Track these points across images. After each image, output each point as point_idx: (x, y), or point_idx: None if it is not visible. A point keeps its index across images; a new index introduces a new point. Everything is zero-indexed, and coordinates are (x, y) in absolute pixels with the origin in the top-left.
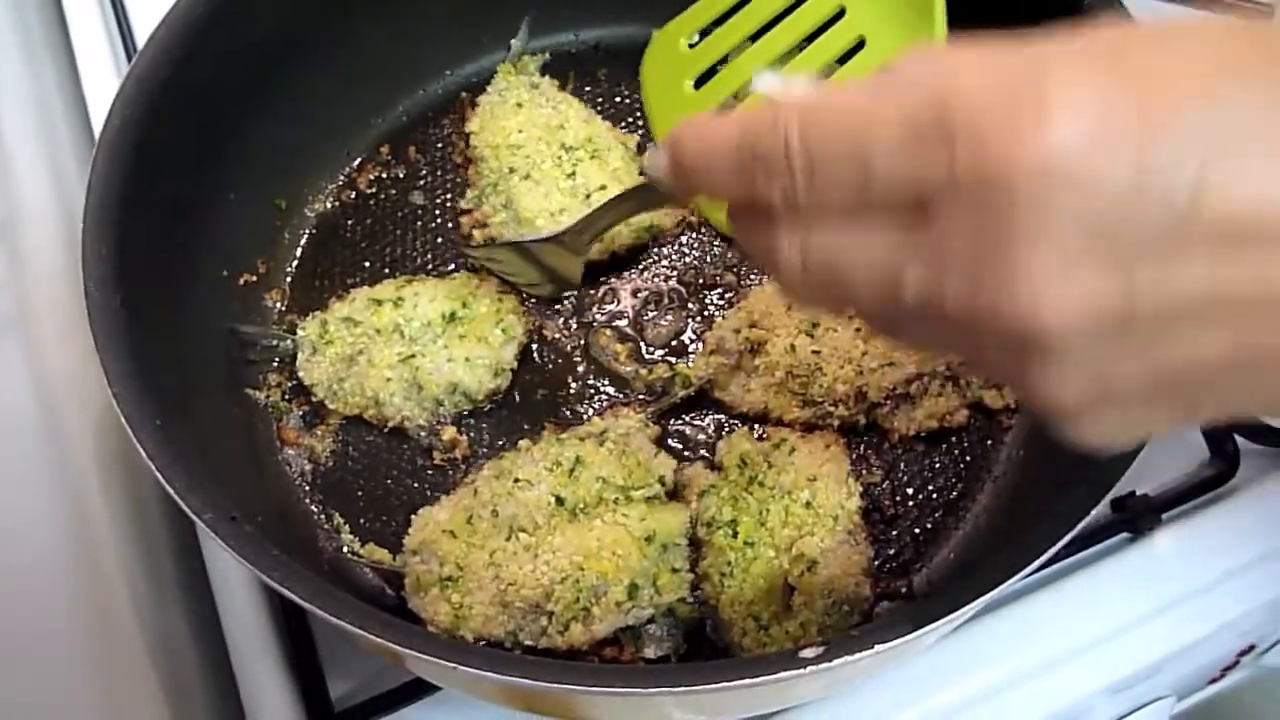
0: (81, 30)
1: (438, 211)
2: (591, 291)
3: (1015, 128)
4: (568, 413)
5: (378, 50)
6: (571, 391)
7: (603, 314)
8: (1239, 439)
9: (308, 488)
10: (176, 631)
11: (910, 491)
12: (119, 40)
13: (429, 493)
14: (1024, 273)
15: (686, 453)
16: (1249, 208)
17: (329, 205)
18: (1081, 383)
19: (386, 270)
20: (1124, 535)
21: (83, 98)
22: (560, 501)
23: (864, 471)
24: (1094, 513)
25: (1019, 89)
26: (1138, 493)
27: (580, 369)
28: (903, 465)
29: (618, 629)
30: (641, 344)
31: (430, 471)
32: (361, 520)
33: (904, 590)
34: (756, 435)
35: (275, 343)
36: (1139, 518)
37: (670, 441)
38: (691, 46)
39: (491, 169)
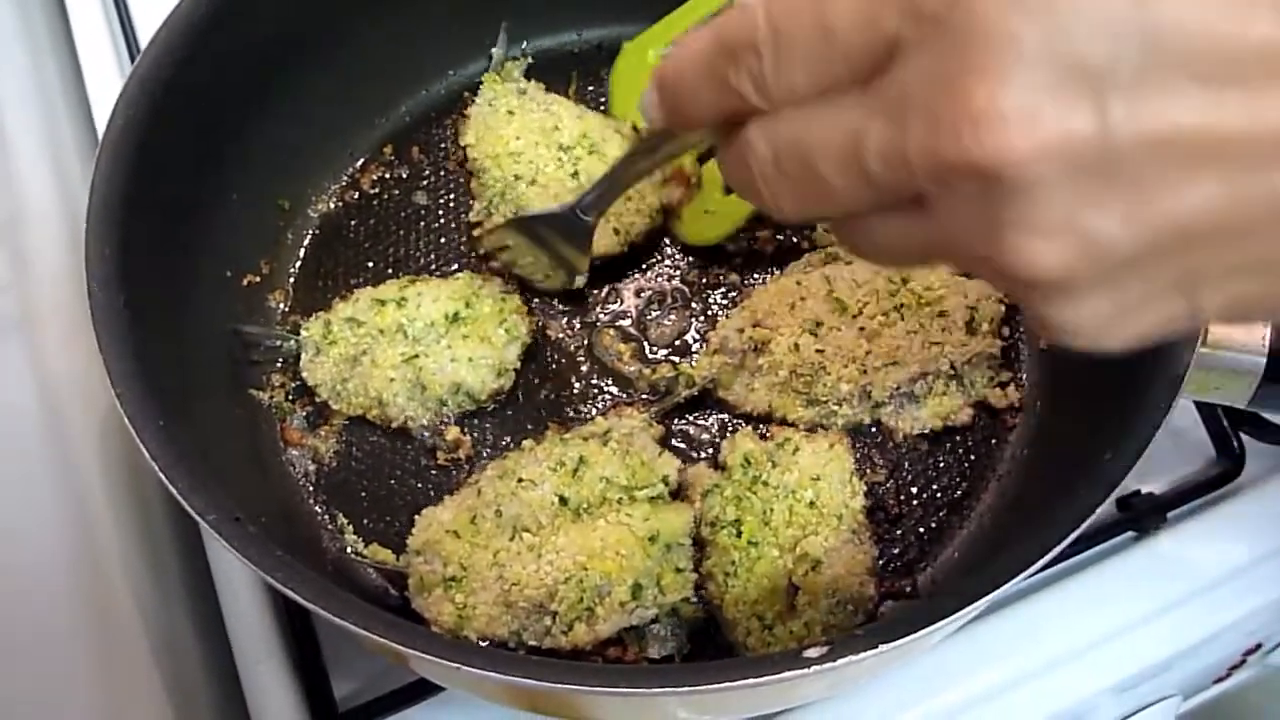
0: (85, 31)
1: (441, 212)
2: (595, 291)
3: None
4: (571, 413)
5: (380, 50)
6: (575, 391)
7: (606, 314)
8: (1244, 437)
9: (311, 488)
10: (180, 632)
11: (914, 491)
12: (122, 41)
13: (432, 493)
14: (984, 104)
15: (690, 452)
16: (1225, 37)
17: (332, 205)
18: (1058, 237)
19: (390, 270)
20: (1129, 534)
21: (86, 98)
22: (564, 501)
23: (868, 471)
24: (1099, 511)
25: None
26: (1143, 491)
27: (584, 369)
28: (907, 464)
29: (622, 629)
30: (645, 344)
31: (434, 472)
32: (365, 521)
33: (908, 590)
34: (760, 435)
35: (279, 343)
36: (1144, 516)
37: (674, 441)
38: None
39: (495, 178)
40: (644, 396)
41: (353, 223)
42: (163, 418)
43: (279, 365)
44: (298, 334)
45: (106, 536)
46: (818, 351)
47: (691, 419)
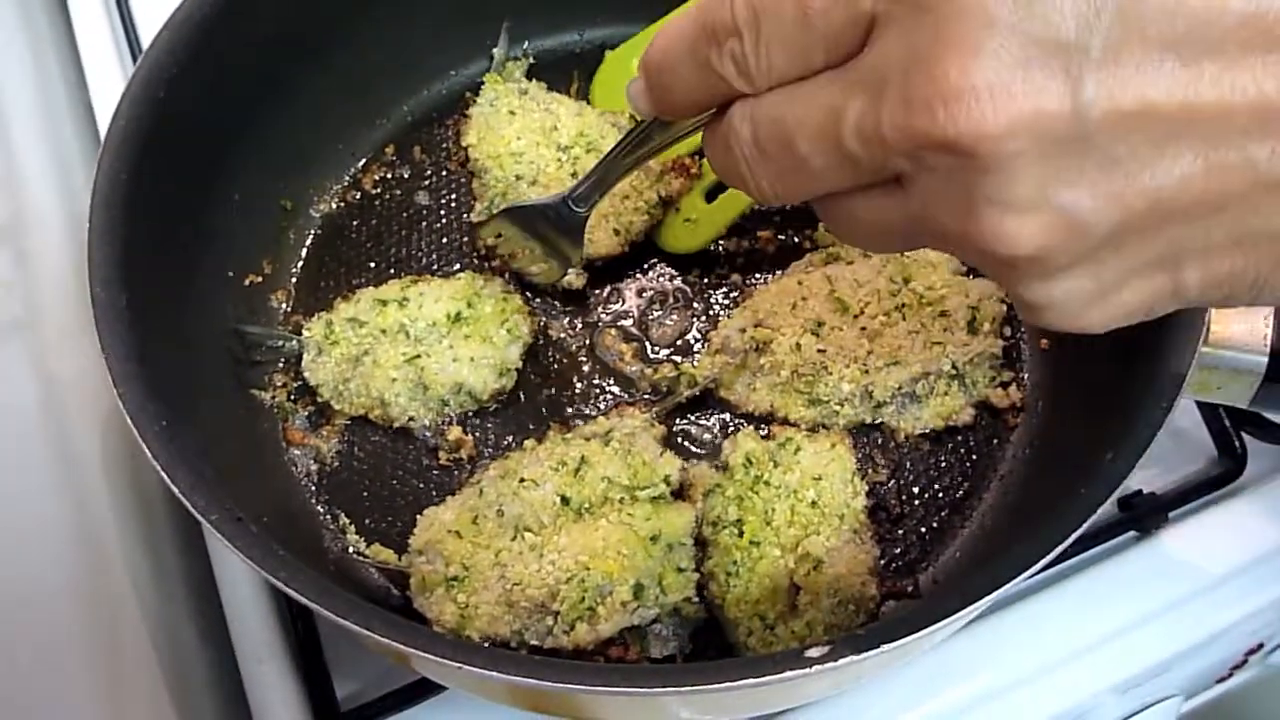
0: (87, 32)
1: (443, 211)
2: (596, 291)
3: None
4: (573, 412)
5: (381, 50)
6: (577, 391)
7: (608, 314)
8: (1246, 436)
9: (313, 488)
10: (183, 631)
11: (916, 490)
12: (124, 42)
13: (434, 493)
14: (957, 80)
15: (692, 452)
16: (1197, 10)
17: (334, 206)
18: (1038, 215)
19: (392, 270)
20: (1131, 534)
21: (88, 99)
22: (566, 501)
23: (870, 470)
24: (1100, 511)
25: None
26: (1145, 491)
27: (585, 369)
28: (908, 464)
29: (623, 629)
30: (647, 344)
31: (436, 471)
32: (367, 520)
33: (910, 589)
34: (762, 434)
35: (281, 343)
36: (1146, 516)
37: (676, 441)
38: None
39: (497, 179)
40: (646, 396)
41: (355, 223)
42: (165, 418)
43: (281, 365)
44: (300, 334)
45: (109, 536)
46: (819, 351)
47: (693, 419)
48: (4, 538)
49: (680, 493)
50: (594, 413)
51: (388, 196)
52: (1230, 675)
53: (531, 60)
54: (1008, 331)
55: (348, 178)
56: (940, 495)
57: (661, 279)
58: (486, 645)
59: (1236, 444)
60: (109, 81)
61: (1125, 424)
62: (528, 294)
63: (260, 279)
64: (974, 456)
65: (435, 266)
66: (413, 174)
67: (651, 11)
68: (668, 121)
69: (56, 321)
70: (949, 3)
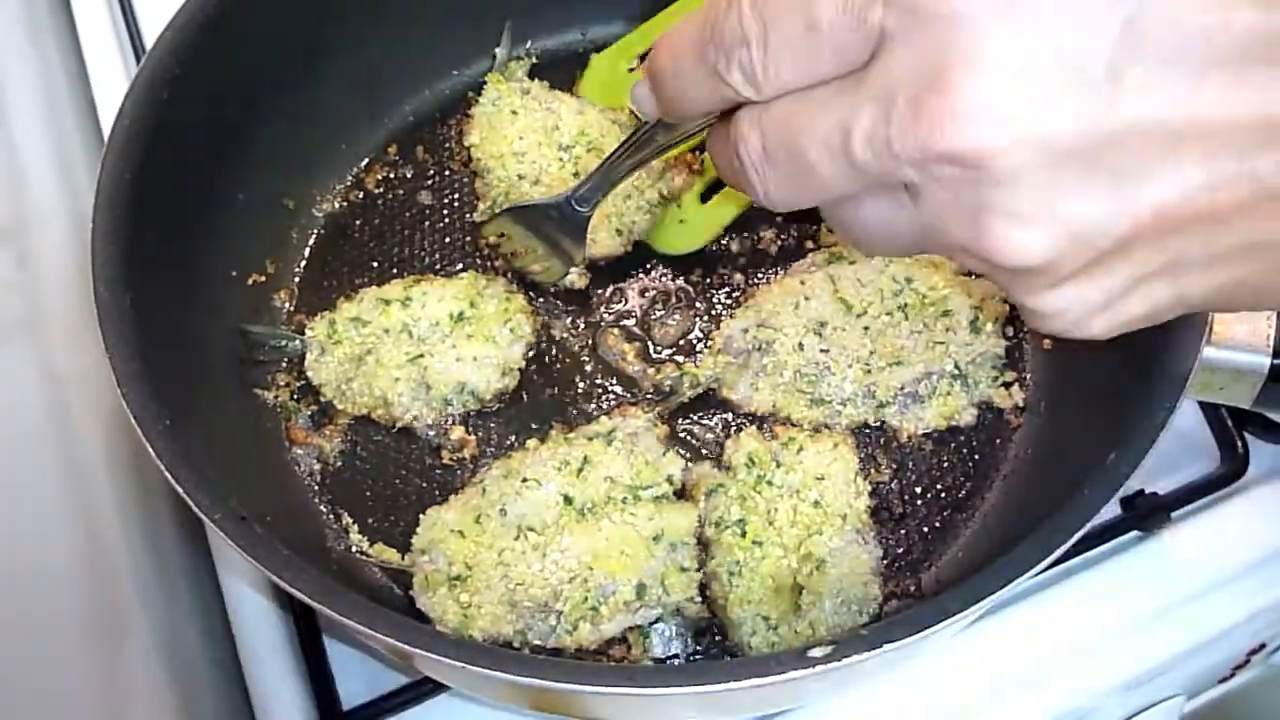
0: (90, 32)
1: (446, 211)
2: (599, 291)
3: None
4: (576, 412)
5: (384, 50)
6: (579, 391)
7: (610, 314)
8: (1249, 437)
9: (316, 487)
10: (186, 630)
11: (919, 490)
12: (127, 42)
13: (437, 492)
14: (966, 95)
15: (695, 452)
16: (1202, 24)
17: (337, 205)
18: (1041, 226)
19: (395, 270)
20: (1134, 534)
21: (91, 99)
22: (568, 501)
23: (872, 470)
24: (1103, 511)
25: None
26: (1147, 491)
27: (588, 368)
28: (911, 464)
29: (626, 629)
30: (649, 343)
31: (439, 471)
32: (370, 519)
33: (913, 589)
34: (765, 435)
35: (284, 343)
36: (1149, 516)
37: (678, 441)
38: (631, 70)
39: (500, 179)
40: (648, 396)
41: (358, 222)
42: (168, 417)
43: (284, 365)
44: (303, 333)
45: (112, 535)
46: (822, 351)
47: (696, 419)
48: (8, 537)
49: (683, 493)
50: (597, 412)
51: (391, 196)
52: (1233, 675)
53: (534, 60)
54: (1010, 331)
55: (351, 177)
56: (943, 495)
57: (664, 279)
58: (489, 645)
59: (1239, 444)
60: (112, 81)
61: (1128, 424)
62: (530, 294)
63: (263, 278)
64: (976, 456)
65: (438, 266)
66: (416, 173)
67: (653, 12)
68: (671, 124)
69: (60, 321)
70: (957, 18)
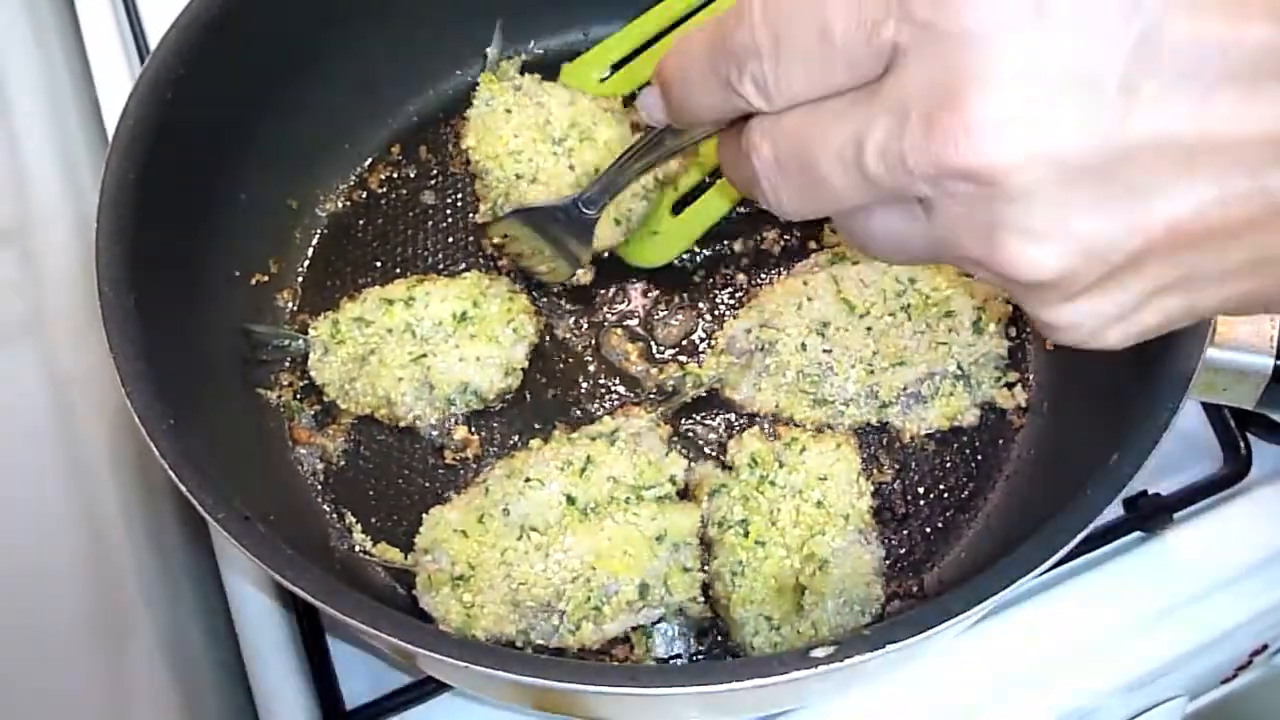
0: (94, 32)
1: (449, 211)
2: (602, 291)
3: None
4: (579, 412)
5: (388, 51)
6: (582, 391)
7: (613, 314)
8: (1251, 437)
9: (320, 487)
10: (189, 629)
11: (921, 491)
12: (131, 42)
13: (440, 492)
14: (978, 111)
15: (697, 452)
16: (1215, 39)
17: (340, 205)
18: (1054, 242)
19: (398, 270)
20: (1136, 534)
21: (96, 100)
22: (571, 501)
23: (875, 471)
24: (1106, 512)
25: None
26: (1150, 492)
27: (591, 368)
28: (914, 464)
29: (629, 629)
30: (652, 343)
31: (442, 471)
32: (373, 519)
33: (916, 590)
34: (767, 435)
35: (287, 342)
36: (1151, 517)
37: (681, 441)
38: (602, 80)
39: (498, 179)
40: (651, 396)
41: (361, 222)
42: (172, 416)
43: (287, 364)
44: (306, 333)
45: (116, 534)
46: (825, 351)
47: (699, 419)
48: (12, 536)
49: (686, 493)
50: (599, 412)
51: (394, 196)
52: (1235, 676)
53: (526, 57)
54: (1013, 332)
55: (354, 177)
56: (945, 495)
57: (667, 279)
58: (492, 644)
59: (1242, 445)
60: (116, 81)
61: (1130, 425)
62: (533, 294)
63: (267, 278)
64: (979, 457)
65: (441, 266)
66: (419, 173)
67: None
68: (680, 129)
69: (64, 321)
70: (971, 35)
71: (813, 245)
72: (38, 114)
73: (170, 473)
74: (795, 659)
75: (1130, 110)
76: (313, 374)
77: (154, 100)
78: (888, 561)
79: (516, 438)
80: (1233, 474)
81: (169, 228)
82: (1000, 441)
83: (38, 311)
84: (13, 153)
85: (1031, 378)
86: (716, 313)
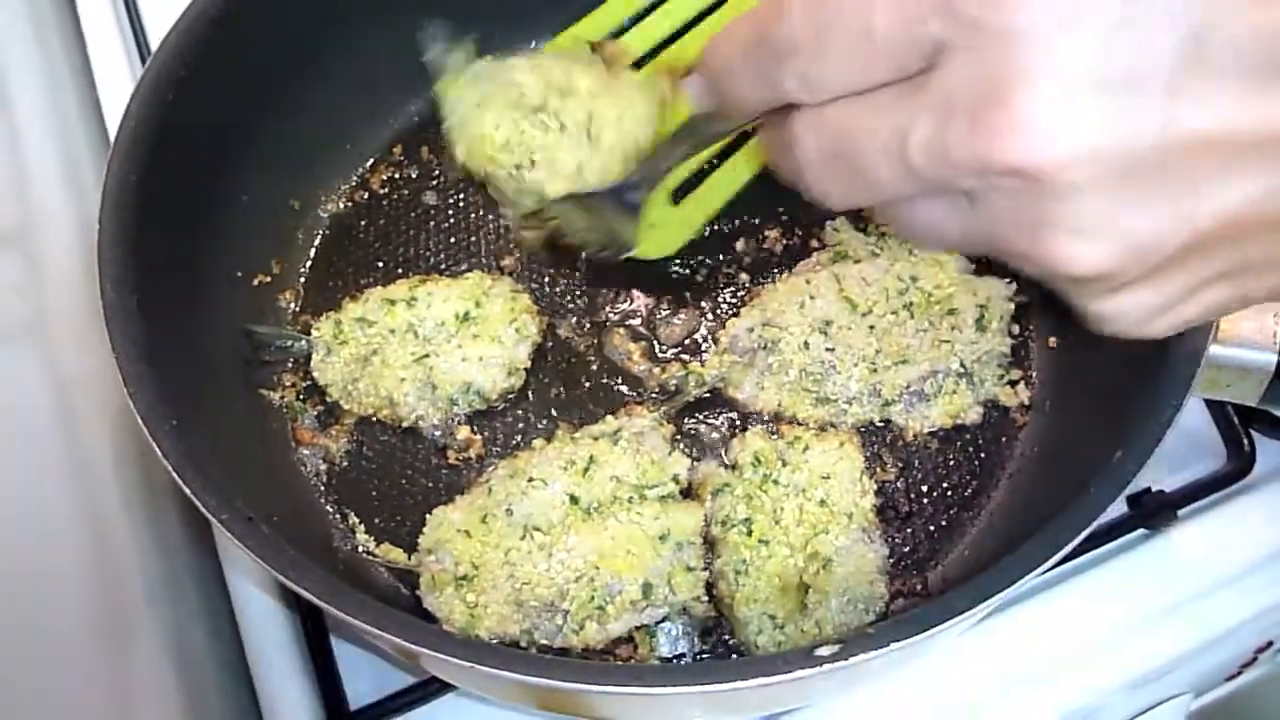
0: (96, 33)
1: (450, 211)
2: (604, 290)
3: None
4: (581, 412)
5: (388, 51)
6: (585, 390)
7: (616, 313)
8: (1255, 434)
9: (323, 487)
10: (193, 629)
11: (925, 489)
12: (133, 44)
13: (444, 492)
14: (1025, 109)
15: (700, 451)
16: (1263, 33)
17: (342, 205)
18: (1101, 239)
19: (400, 270)
20: (1140, 532)
21: (97, 101)
22: (574, 500)
23: (878, 469)
24: (1109, 509)
25: None
26: (1153, 489)
27: (594, 368)
28: (917, 463)
29: (633, 628)
30: (655, 343)
31: (445, 471)
32: (376, 520)
33: (919, 588)
34: (770, 433)
35: (289, 343)
36: (1155, 514)
37: (684, 440)
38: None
39: (502, 179)
40: (654, 395)
41: (363, 223)
42: (175, 417)
43: (290, 365)
44: (308, 334)
45: (119, 535)
46: (827, 350)
47: (702, 418)
48: (16, 537)
49: (689, 492)
50: (602, 412)
51: (395, 196)
52: (1240, 673)
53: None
54: (1016, 330)
55: (355, 178)
56: (949, 494)
57: (669, 278)
58: (496, 644)
59: (1245, 441)
60: (117, 81)
61: (1134, 422)
62: (535, 293)
63: (269, 279)
64: (983, 455)
65: (443, 266)
66: (420, 174)
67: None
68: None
69: (67, 322)
70: (1017, 32)
71: (815, 244)
72: (39, 114)
73: (173, 473)
74: (800, 658)
75: (1178, 106)
76: (315, 375)
77: (155, 101)
78: (891, 560)
79: (519, 438)
80: (1236, 471)
81: (171, 229)
82: (1003, 439)
83: (40, 313)
84: (14, 153)
85: (1034, 375)
86: (719, 312)
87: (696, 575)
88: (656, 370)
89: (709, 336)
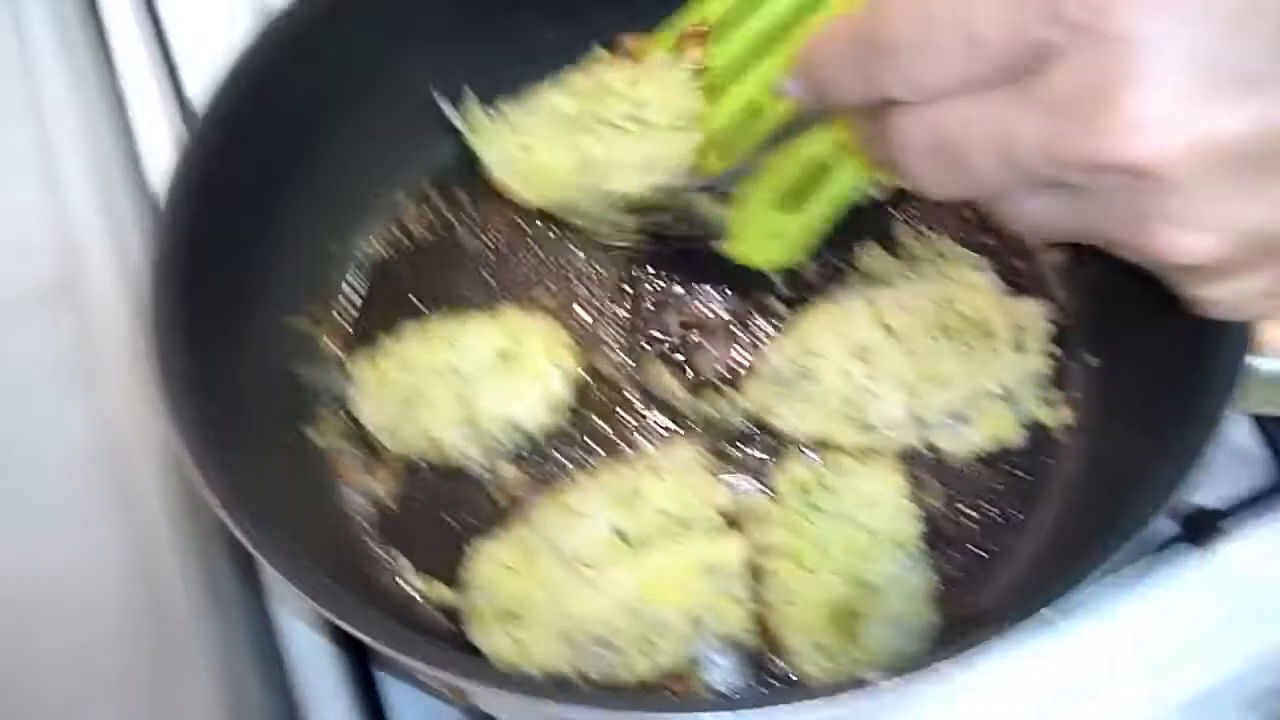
0: (133, 85)
1: (486, 249)
2: (641, 322)
3: None
4: (623, 445)
5: (423, 91)
6: (626, 423)
7: (654, 346)
8: None
9: (368, 527)
10: (242, 668)
11: (970, 512)
12: (170, 93)
13: (489, 528)
14: (1134, 108)
15: (743, 481)
16: None
17: (379, 247)
18: (1210, 232)
19: (438, 309)
20: (1188, 548)
21: (135, 148)
22: (619, 534)
23: (923, 494)
24: (1156, 526)
25: None
26: (1201, 505)
27: (633, 401)
28: (961, 487)
29: (682, 660)
30: (693, 373)
31: (489, 507)
32: (422, 557)
33: (969, 611)
34: (812, 461)
35: (332, 386)
36: (1202, 530)
37: (726, 470)
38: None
39: (589, 200)
40: (694, 426)
41: (400, 264)
42: (222, 459)
43: (333, 406)
44: (350, 376)
45: (169, 576)
46: (867, 376)
47: (743, 448)
48: (67, 578)
49: (733, 522)
50: (643, 444)
51: (431, 237)
52: None
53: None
54: (1055, 350)
55: (392, 220)
56: (994, 516)
57: (705, 309)
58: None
59: None
60: (155, 129)
61: (1177, 439)
62: (574, 329)
63: (311, 323)
64: (1027, 476)
65: (480, 303)
66: (454, 214)
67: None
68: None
69: (114, 369)
70: (1123, 33)
71: (849, 270)
72: (81, 166)
73: (221, 513)
74: (851, 685)
75: None
76: (358, 416)
77: (201, 156)
78: (939, 584)
79: (562, 472)
80: None
81: (215, 277)
82: (1047, 460)
83: (88, 360)
84: (60, 208)
85: (1076, 395)
86: (757, 341)
87: (743, 606)
88: (696, 401)
89: (747, 366)
